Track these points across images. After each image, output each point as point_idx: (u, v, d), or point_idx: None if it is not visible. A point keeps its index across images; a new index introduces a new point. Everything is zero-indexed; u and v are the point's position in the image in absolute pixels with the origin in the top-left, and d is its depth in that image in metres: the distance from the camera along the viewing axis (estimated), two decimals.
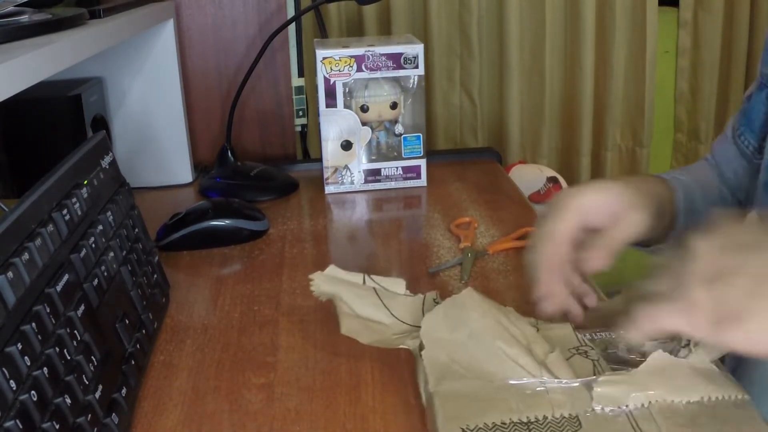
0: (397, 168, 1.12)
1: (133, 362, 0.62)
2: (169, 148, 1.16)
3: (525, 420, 0.52)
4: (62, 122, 0.99)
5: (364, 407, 0.60)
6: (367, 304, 0.68)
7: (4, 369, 0.44)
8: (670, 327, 0.49)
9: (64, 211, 0.58)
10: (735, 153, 0.78)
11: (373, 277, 0.70)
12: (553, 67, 1.85)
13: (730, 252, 0.49)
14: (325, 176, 1.11)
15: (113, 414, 0.54)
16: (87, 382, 0.53)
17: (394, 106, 1.09)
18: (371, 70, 1.07)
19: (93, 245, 0.62)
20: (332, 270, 0.70)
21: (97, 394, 0.53)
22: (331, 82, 1.07)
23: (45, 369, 0.48)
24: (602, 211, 0.62)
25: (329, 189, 1.11)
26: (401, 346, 0.66)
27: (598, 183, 0.65)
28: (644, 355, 0.56)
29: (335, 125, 1.09)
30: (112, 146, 0.97)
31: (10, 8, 0.73)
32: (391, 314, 0.68)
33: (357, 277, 0.70)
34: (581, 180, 1.94)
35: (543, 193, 1.76)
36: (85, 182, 0.64)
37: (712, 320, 0.47)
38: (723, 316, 0.47)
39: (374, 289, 0.69)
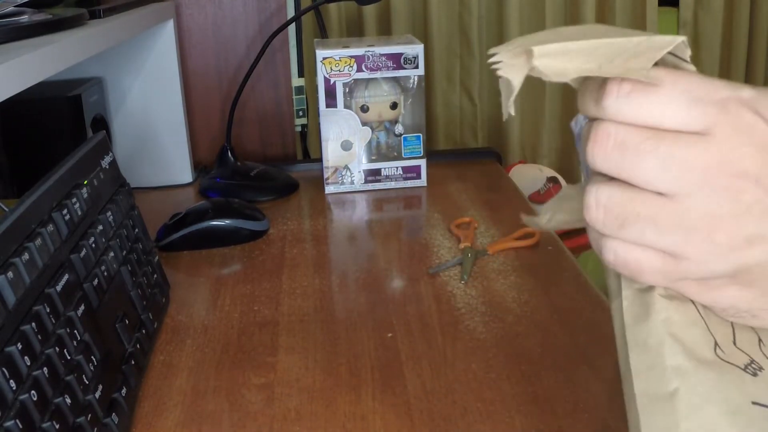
0: (397, 168, 1.12)
1: (133, 362, 0.62)
2: (169, 148, 1.16)
3: None
4: (62, 122, 0.99)
5: (364, 407, 0.60)
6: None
7: (4, 369, 0.44)
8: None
9: (64, 211, 0.58)
10: None
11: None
12: None
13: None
14: (325, 176, 1.11)
15: (113, 414, 0.54)
16: (87, 382, 0.53)
17: (394, 106, 1.09)
18: (371, 70, 1.07)
19: (93, 245, 0.62)
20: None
21: (97, 394, 0.53)
22: (331, 82, 1.07)
23: (45, 369, 0.48)
24: None
25: (329, 189, 1.11)
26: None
27: None
28: None
29: (335, 125, 1.09)
30: (112, 146, 0.97)
31: (10, 8, 0.73)
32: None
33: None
34: (581, 180, 1.94)
35: (543, 193, 1.76)
36: (85, 182, 0.64)
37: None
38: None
39: None
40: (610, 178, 0.34)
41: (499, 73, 0.37)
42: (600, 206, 0.34)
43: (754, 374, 0.37)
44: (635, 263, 0.35)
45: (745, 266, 0.34)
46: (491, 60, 0.37)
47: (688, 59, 0.36)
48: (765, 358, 0.38)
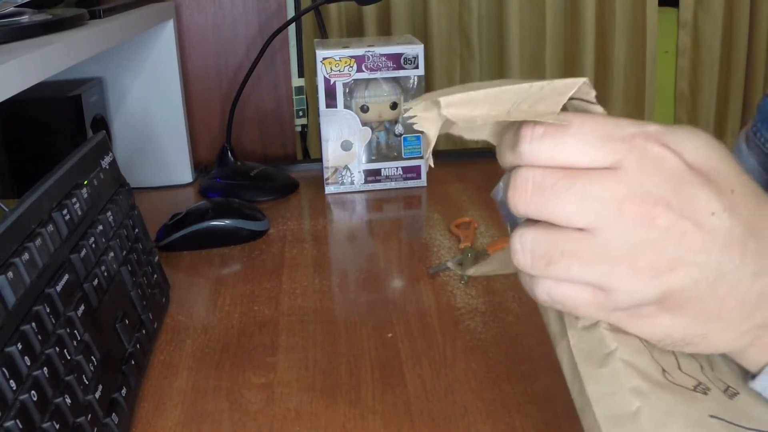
0: (397, 168, 1.12)
1: (133, 362, 0.62)
2: (169, 148, 1.16)
3: None
4: (62, 123, 0.99)
5: (364, 407, 0.60)
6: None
7: (4, 369, 0.44)
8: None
9: (64, 211, 0.58)
10: (752, 165, 0.77)
11: None
12: (553, 67, 1.85)
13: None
14: (325, 176, 1.11)
15: (113, 414, 0.54)
16: (87, 382, 0.53)
17: (394, 106, 1.09)
18: (371, 70, 1.07)
19: (93, 245, 0.62)
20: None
21: (97, 394, 0.53)
22: (331, 83, 1.07)
23: (45, 369, 0.48)
24: None
25: (329, 189, 1.11)
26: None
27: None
28: None
29: (335, 125, 1.09)
30: (112, 146, 0.97)
31: (11, 9, 0.73)
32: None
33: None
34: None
35: None
36: (85, 182, 0.64)
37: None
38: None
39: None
40: (534, 222, 0.36)
41: (415, 127, 0.39)
42: (526, 249, 0.36)
43: (705, 393, 0.38)
44: (569, 299, 0.37)
45: (669, 291, 0.35)
46: (406, 115, 0.39)
47: (594, 100, 0.37)
48: (709, 382, 0.39)
